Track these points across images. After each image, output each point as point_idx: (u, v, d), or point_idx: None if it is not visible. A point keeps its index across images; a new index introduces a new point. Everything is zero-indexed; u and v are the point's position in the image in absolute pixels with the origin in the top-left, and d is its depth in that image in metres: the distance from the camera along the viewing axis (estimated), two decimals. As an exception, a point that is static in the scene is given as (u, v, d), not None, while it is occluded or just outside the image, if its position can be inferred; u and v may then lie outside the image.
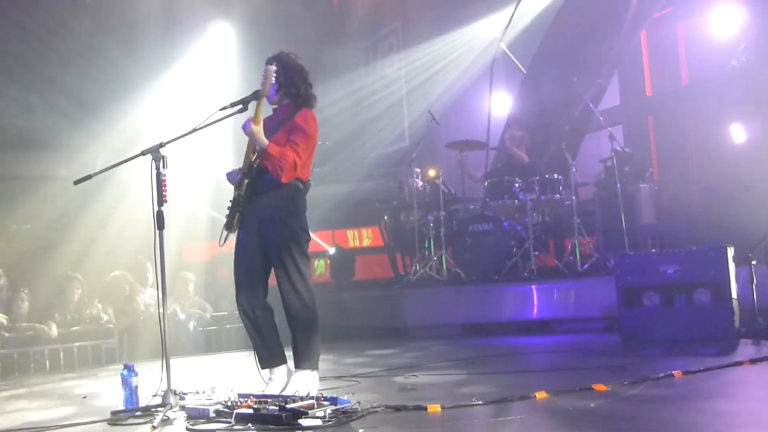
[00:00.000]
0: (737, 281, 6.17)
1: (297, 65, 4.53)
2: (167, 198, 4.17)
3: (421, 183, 9.56)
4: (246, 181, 4.39)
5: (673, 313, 6.12)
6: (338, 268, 10.36)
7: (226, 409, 3.72)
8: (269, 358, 4.47)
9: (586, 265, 8.25)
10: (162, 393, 4.10)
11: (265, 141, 4.29)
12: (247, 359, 4.77)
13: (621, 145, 9.23)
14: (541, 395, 3.89)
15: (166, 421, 3.82)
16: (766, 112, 8.68)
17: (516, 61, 11.37)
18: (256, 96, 4.40)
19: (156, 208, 4.14)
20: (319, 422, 3.51)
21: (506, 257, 8.54)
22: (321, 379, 4.58)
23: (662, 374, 4.27)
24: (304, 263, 4.38)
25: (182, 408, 3.99)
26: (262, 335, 4.45)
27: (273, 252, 4.39)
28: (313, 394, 3.97)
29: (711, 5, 9.50)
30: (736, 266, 6.18)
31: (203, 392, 4.66)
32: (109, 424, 3.98)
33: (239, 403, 3.76)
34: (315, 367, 4.39)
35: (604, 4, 9.88)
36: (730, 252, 6.06)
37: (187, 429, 3.66)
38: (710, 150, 9.97)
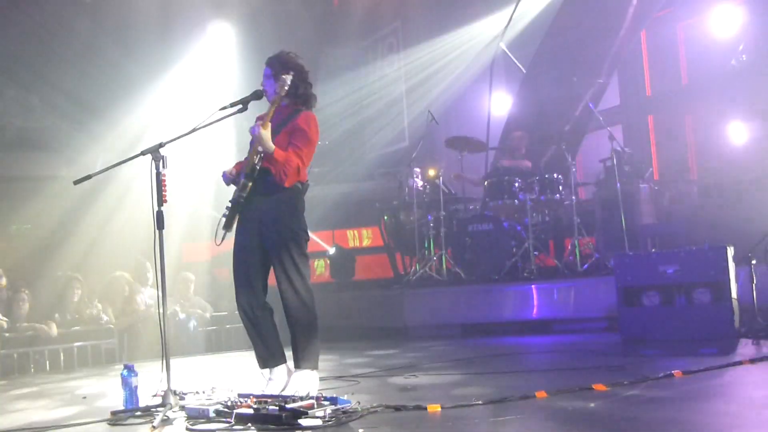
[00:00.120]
0: (737, 281, 6.17)
1: (297, 65, 4.52)
2: (167, 198, 4.17)
3: (420, 183, 9.55)
4: (249, 184, 4.39)
5: (673, 312, 6.12)
6: (338, 268, 10.36)
7: (226, 409, 3.72)
8: (269, 358, 4.47)
9: (586, 265, 8.25)
10: (162, 393, 4.10)
11: (272, 146, 4.29)
12: (247, 359, 4.77)
13: (621, 144, 9.23)
14: (540, 395, 3.89)
15: (166, 421, 3.83)
16: (766, 112, 8.67)
17: (516, 61, 11.35)
18: (256, 96, 4.42)
19: (156, 208, 4.14)
20: (319, 422, 3.51)
21: (506, 257, 8.55)
22: (321, 379, 4.58)
23: (662, 374, 4.26)
24: (303, 263, 4.40)
25: (182, 408, 3.99)
26: (261, 335, 4.45)
27: (273, 252, 4.40)
28: (313, 394, 3.97)
29: (711, 5, 9.50)
30: (736, 266, 6.18)
31: (203, 392, 4.65)
32: (109, 424, 3.98)
33: (239, 403, 3.76)
34: (315, 367, 4.40)
35: (604, 4, 9.88)
36: (730, 252, 6.06)
37: (187, 429, 3.66)
38: (710, 150, 9.97)
